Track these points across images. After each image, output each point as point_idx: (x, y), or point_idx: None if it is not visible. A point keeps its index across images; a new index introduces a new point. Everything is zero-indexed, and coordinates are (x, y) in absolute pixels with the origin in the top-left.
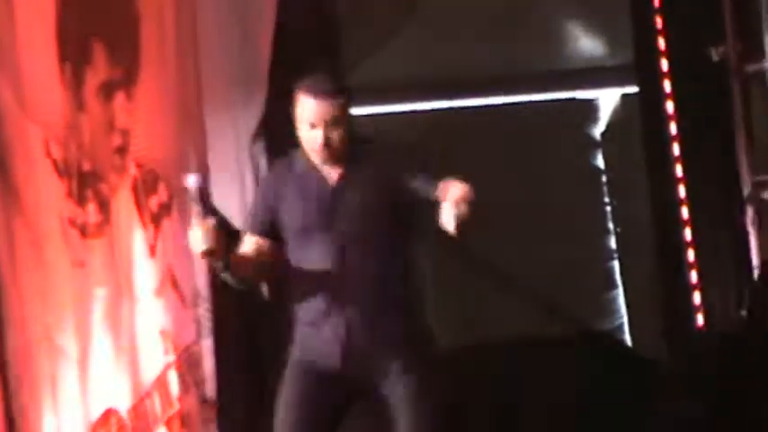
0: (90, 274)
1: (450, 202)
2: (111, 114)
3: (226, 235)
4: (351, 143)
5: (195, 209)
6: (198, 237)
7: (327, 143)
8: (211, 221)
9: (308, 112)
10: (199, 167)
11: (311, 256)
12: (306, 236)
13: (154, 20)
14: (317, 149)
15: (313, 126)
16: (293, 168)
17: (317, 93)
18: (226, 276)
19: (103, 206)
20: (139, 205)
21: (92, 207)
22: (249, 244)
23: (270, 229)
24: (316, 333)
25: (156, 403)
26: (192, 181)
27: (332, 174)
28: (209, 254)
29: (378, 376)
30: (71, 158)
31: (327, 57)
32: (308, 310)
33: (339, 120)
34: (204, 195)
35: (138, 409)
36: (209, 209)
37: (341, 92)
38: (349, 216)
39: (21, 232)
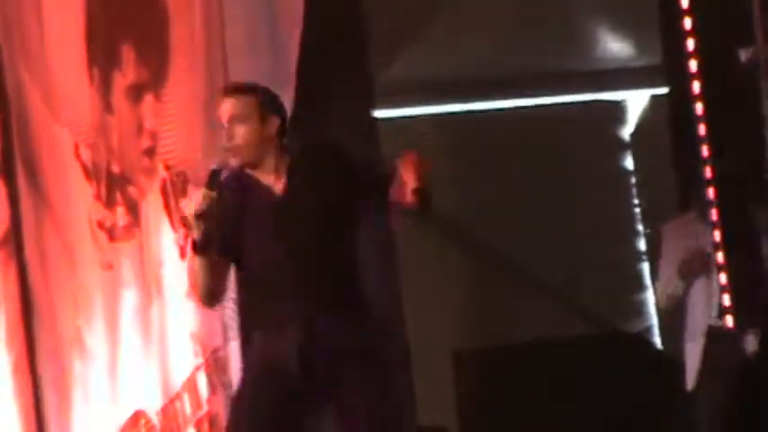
0: (119, 277)
1: (406, 172)
2: (139, 116)
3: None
4: (291, 150)
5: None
6: (200, 198)
7: (230, 138)
8: (216, 196)
9: (220, 113)
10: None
11: (262, 266)
12: (257, 247)
13: (184, 21)
14: (225, 147)
15: (224, 126)
16: (241, 182)
17: (224, 92)
18: (200, 254)
19: (132, 209)
20: (168, 207)
21: (120, 210)
22: None
23: (229, 244)
24: (273, 344)
25: (186, 405)
26: (216, 167)
27: (277, 185)
28: (200, 216)
29: (334, 385)
30: (100, 161)
31: (356, 55)
32: (263, 321)
33: (245, 117)
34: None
35: (168, 410)
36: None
37: (250, 91)
38: (294, 226)
39: (50, 235)
